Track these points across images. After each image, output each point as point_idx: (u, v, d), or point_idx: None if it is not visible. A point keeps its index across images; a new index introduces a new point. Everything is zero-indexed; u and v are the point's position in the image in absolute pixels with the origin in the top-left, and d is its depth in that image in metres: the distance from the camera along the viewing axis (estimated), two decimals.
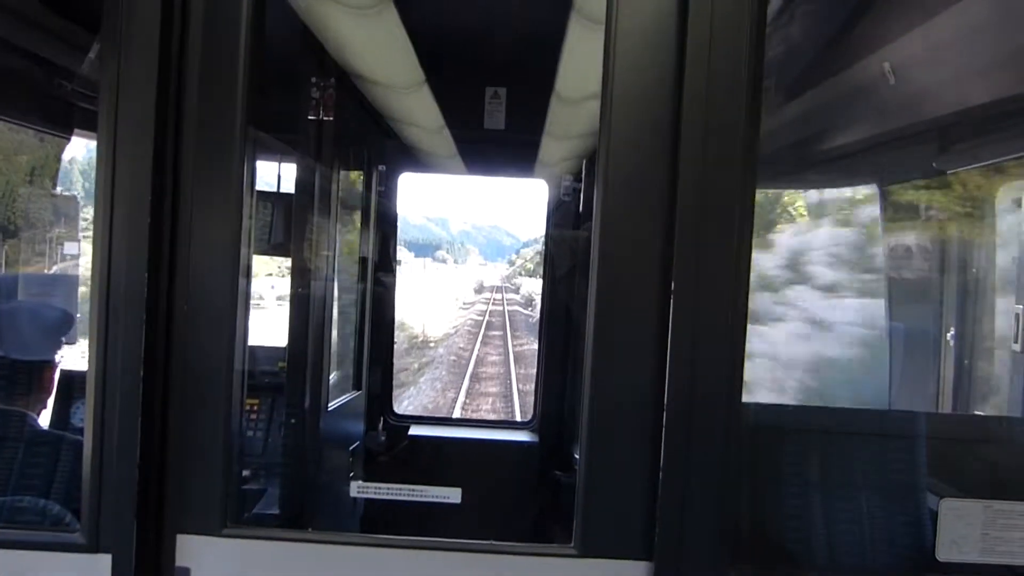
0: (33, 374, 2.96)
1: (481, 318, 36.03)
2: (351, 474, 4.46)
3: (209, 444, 2.01)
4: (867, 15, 3.43)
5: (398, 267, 5.77)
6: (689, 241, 1.90)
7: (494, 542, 2.02)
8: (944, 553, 1.99)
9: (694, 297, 1.90)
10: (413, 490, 2.27)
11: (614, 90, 1.94)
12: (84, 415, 1.98)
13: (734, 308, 1.90)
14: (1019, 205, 3.34)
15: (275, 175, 4.04)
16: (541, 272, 6.05)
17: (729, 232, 1.90)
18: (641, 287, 1.94)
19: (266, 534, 2.07)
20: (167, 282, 1.98)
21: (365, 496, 2.40)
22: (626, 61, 1.94)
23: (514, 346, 23.70)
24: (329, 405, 4.13)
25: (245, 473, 4.00)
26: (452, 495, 2.19)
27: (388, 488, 2.33)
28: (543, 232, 5.63)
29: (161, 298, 1.97)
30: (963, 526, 1.97)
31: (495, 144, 5.04)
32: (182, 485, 2.01)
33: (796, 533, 2.20)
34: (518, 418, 13.44)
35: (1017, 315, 2.93)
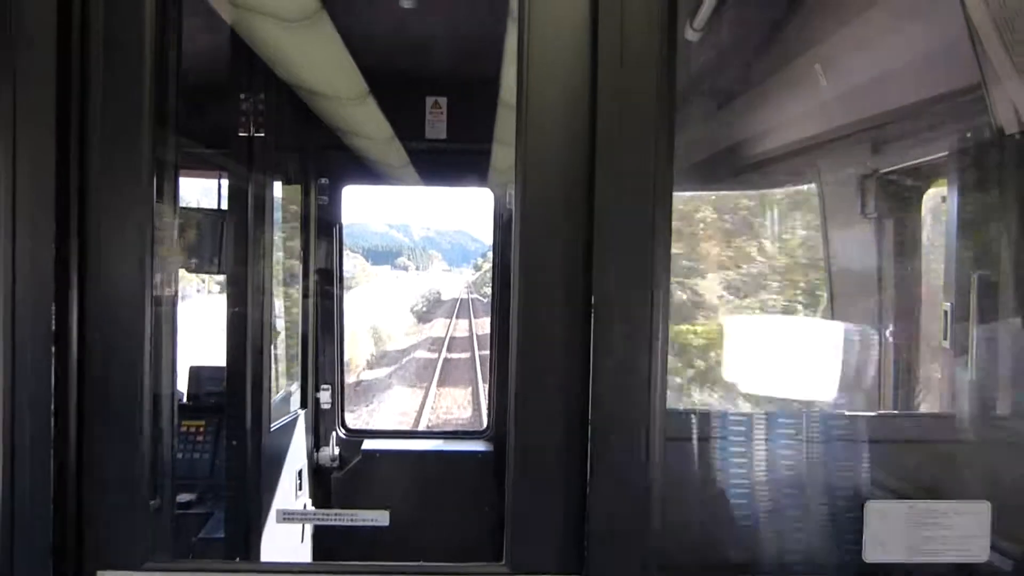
0: None
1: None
2: (299, 493, 4.40)
3: (127, 476, 1.95)
4: (797, 16, 3.48)
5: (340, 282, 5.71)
6: (608, 253, 1.89)
7: (424, 563, 1.99)
8: (871, 554, 2.00)
9: (615, 309, 1.89)
10: (339, 515, 2.23)
11: (528, 100, 1.93)
12: None
13: (656, 318, 1.89)
14: (944, 202, 3.40)
15: (207, 191, 3.99)
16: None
17: (647, 241, 1.89)
18: (562, 302, 1.92)
19: (190, 566, 2.02)
20: (78, 308, 1.92)
21: (291, 522, 2.34)
22: (540, 68, 1.93)
23: None
24: (272, 425, 4.07)
25: (189, 497, 3.93)
26: (380, 518, 2.15)
27: (315, 513, 2.28)
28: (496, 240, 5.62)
29: (71, 325, 1.91)
30: (888, 527, 1.99)
31: (438, 154, 5.03)
32: (100, 520, 1.95)
33: (728, 542, 2.21)
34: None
35: (945, 312, 2.98)
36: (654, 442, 1.90)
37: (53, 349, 1.86)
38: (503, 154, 4.98)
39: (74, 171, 1.90)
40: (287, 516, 2.48)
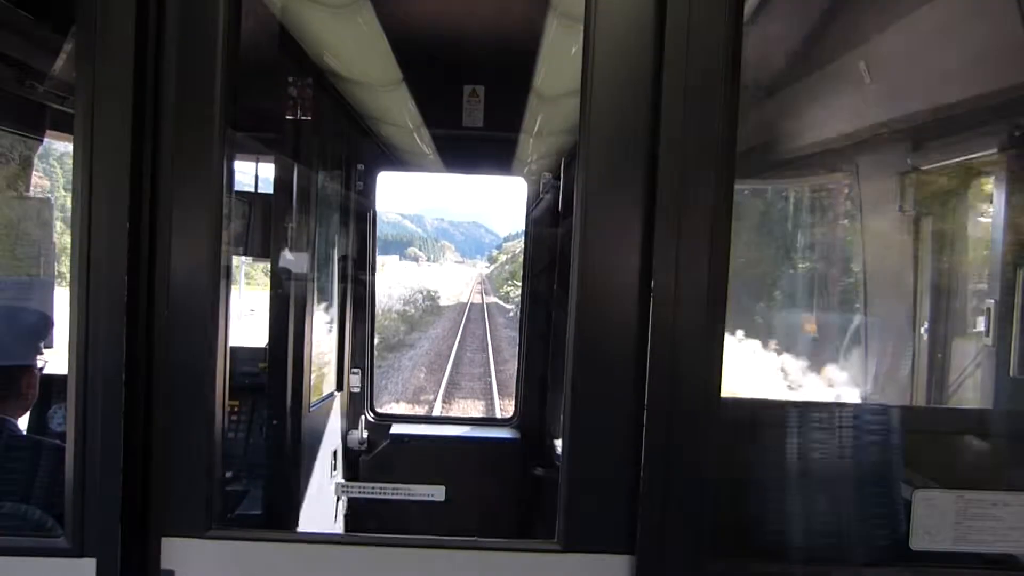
0: (11, 379, 2.92)
1: None
2: (333, 473, 4.46)
3: (193, 446, 2.00)
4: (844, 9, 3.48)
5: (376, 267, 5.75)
6: (667, 240, 1.91)
7: (478, 538, 2.03)
8: (917, 542, 2.02)
9: (673, 295, 1.91)
10: (397, 489, 2.27)
11: (593, 91, 1.96)
12: (62, 419, 1.94)
13: (713, 305, 1.92)
14: (990, 201, 3.40)
15: (253, 175, 4.03)
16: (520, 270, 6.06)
17: (707, 230, 1.92)
18: (620, 287, 1.95)
19: (250, 535, 2.07)
20: (147, 285, 1.97)
21: (349, 496, 2.38)
22: (604, 61, 1.95)
23: None
24: (311, 406, 4.13)
25: (227, 474, 3.99)
26: (436, 493, 2.20)
27: (372, 487, 2.33)
28: (523, 229, 5.66)
29: (141, 301, 1.96)
30: (936, 516, 2.01)
31: (474, 142, 5.06)
32: (166, 488, 2.01)
33: (775, 526, 2.23)
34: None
35: (988, 309, 2.98)
36: (708, 429, 1.93)
37: (125, 321, 1.91)
38: (531, 144, 5.00)
39: (148, 149, 1.95)
40: (345, 489, 2.52)
